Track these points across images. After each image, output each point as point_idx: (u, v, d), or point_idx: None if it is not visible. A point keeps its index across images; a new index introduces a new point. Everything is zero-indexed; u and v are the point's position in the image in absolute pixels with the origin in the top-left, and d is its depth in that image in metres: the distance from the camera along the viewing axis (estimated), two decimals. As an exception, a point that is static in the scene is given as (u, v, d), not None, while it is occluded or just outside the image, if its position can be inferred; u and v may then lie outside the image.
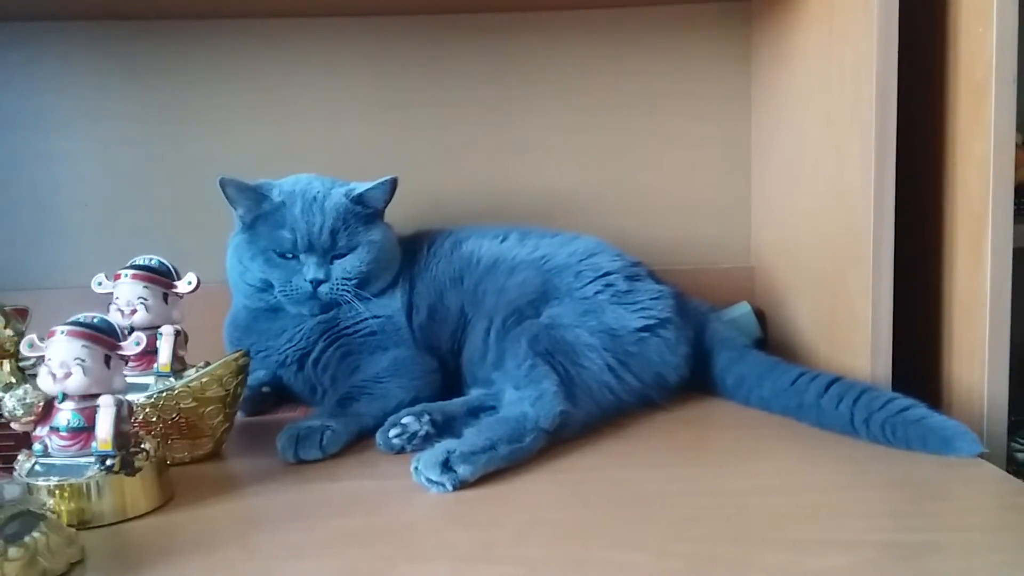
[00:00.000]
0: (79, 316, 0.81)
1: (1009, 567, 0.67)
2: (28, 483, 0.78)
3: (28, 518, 0.70)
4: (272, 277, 1.09)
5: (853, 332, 1.05)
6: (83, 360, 0.79)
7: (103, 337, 0.80)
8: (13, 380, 0.87)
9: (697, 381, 1.10)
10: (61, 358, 0.79)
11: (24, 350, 0.80)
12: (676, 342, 1.07)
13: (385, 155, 1.37)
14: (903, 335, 1.02)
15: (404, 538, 0.75)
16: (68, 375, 0.78)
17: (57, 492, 0.78)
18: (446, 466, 0.83)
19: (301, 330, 1.11)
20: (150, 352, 0.93)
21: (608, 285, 1.08)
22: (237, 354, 0.95)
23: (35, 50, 1.33)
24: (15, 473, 0.80)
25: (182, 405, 0.92)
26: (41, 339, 0.80)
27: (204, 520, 0.80)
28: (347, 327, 1.11)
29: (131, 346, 0.81)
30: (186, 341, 0.97)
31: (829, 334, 1.14)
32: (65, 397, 0.79)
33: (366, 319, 1.10)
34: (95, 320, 0.81)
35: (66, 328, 0.79)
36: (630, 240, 1.24)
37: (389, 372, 1.06)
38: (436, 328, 1.13)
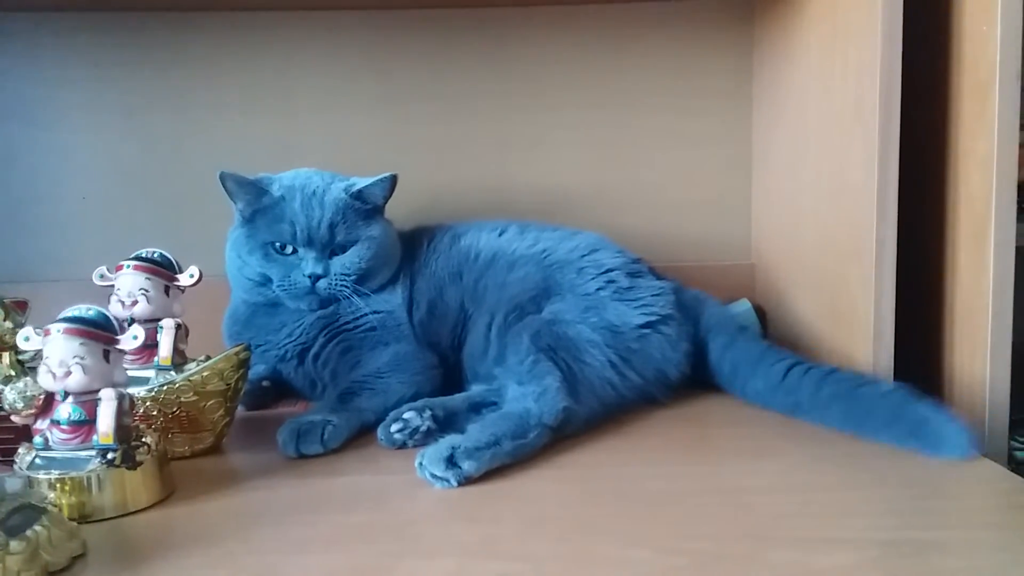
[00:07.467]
0: (73, 310, 0.80)
1: (1013, 566, 0.67)
2: (29, 476, 0.78)
3: (29, 511, 0.69)
4: (271, 272, 1.09)
5: (855, 330, 1.05)
6: (82, 358, 0.78)
7: (100, 333, 0.79)
8: (13, 373, 0.86)
9: (698, 372, 1.09)
10: (60, 357, 0.78)
11: (20, 343, 0.80)
12: (677, 339, 1.07)
13: (385, 150, 1.37)
14: (905, 333, 1.01)
15: (408, 533, 0.75)
16: (68, 374, 0.78)
17: (58, 485, 0.77)
18: (451, 462, 0.83)
19: (301, 325, 1.10)
20: (151, 345, 0.92)
21: (610, 282, 1.08)
22: (238, 348, 0.95)
23: (34, 42, 1.32)
24: (16, 466, 0.80)
25: (183, 399, 0.92)
26: (38, 331, 0.79)
27: (205, 514, 0.80)
28: (347, 322, 1.10)
29: (128, 341, 0.80)
30: (187, 335, 0.96)
31: (831, 332, 1.14)
32: (67, 394, 0.79)
33: (366, 314, 1.10)
34: (90, 314, 0.80)
35: (62, 326, 0.78)
36: (631, 237, 1.24)
37: (390, 367, 1.06)
38: (436, 324, 1.13)
